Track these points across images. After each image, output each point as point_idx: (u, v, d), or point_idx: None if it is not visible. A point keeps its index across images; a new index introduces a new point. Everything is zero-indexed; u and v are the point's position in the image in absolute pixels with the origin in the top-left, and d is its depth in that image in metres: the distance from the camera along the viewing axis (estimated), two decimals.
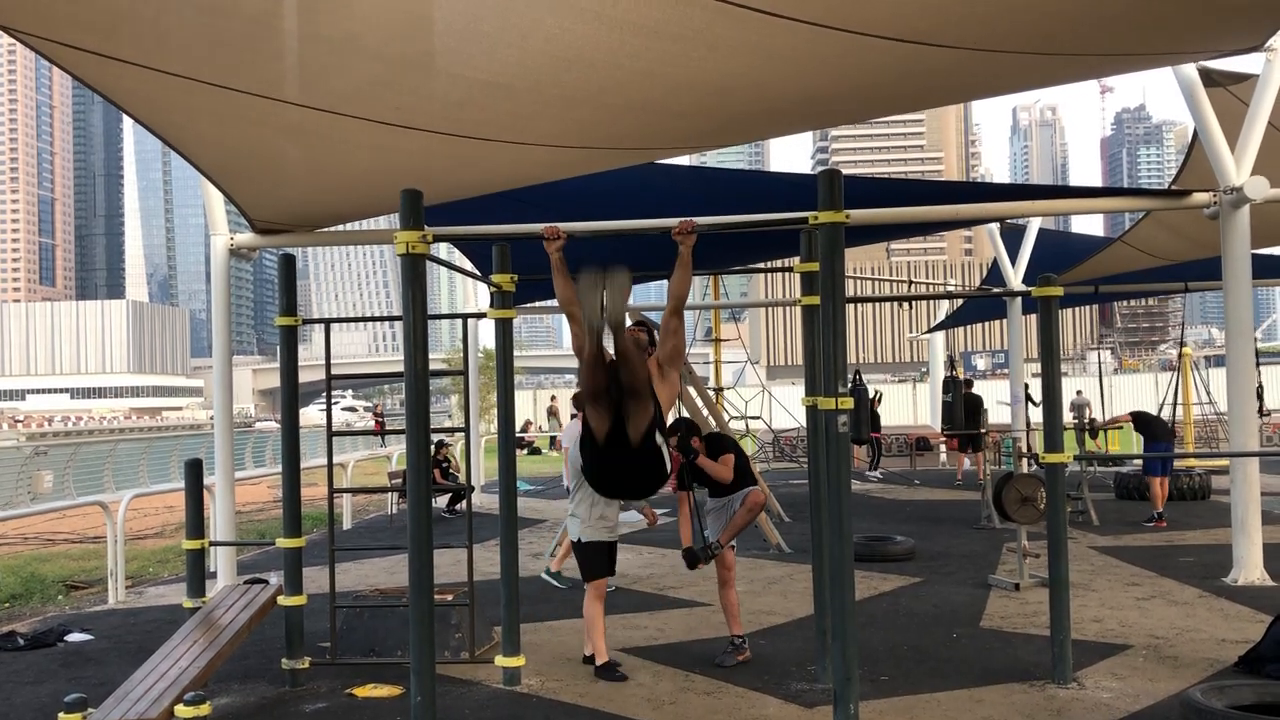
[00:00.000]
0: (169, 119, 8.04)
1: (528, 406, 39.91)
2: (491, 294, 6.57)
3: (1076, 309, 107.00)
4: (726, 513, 7.00)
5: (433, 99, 7.52)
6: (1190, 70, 9.52)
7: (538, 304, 17.37)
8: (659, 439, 4.84)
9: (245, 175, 8.87)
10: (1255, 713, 4.95)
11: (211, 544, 7.12)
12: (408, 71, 7.00)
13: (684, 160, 8.87)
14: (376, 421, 41.32)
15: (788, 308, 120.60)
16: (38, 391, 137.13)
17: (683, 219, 4.84)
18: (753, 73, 6.32)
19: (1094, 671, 6.43)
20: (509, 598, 6.50)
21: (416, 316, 4.89)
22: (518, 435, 31.43)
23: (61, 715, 5.39)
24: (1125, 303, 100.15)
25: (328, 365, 6.79)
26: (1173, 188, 10.36)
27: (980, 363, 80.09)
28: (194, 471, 6.76)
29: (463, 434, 8.85)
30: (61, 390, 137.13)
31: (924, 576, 9.91)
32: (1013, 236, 17.85)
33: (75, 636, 8.06)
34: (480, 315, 6.98)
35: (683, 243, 4.83)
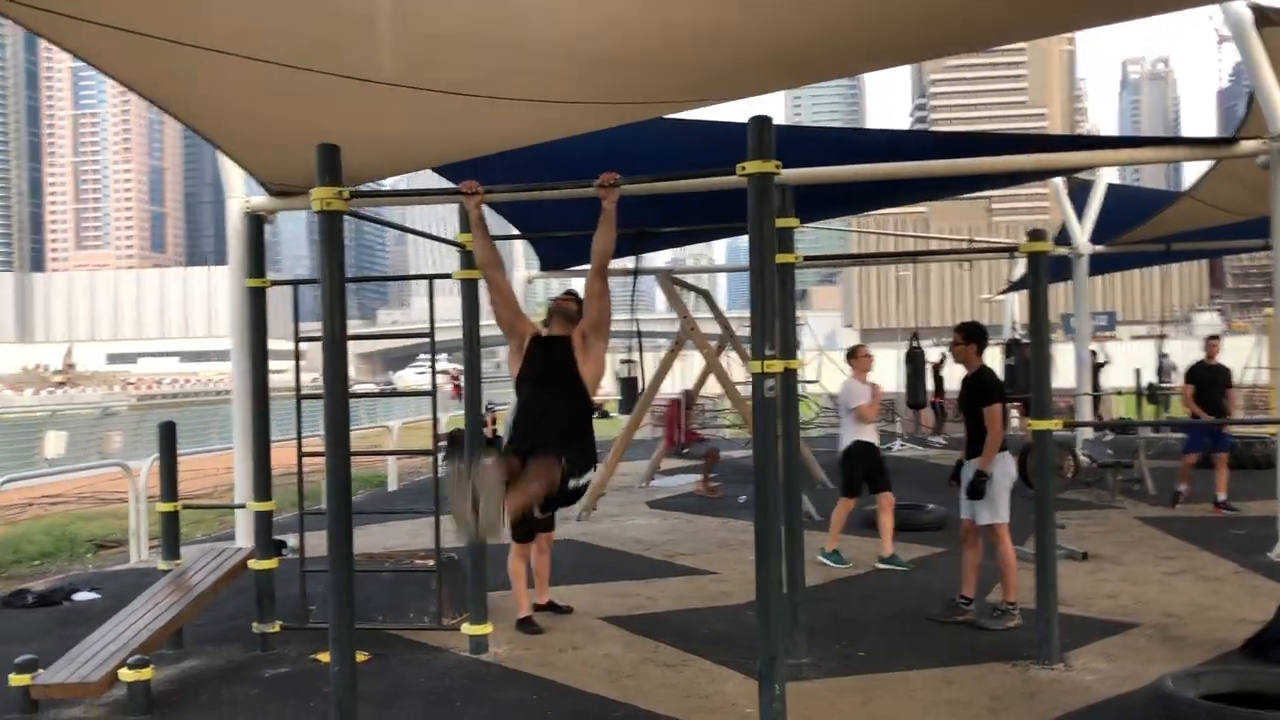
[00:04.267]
0: (162, 87, 8.01)
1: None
2: (460, 254, 6.40)
3: (1182, 267, 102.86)
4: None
5: (438, 60, 7.38)
6: (1240, 7, 8.86)
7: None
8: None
9: (249, 139, 8.81)
10: (1231, 702, 4.57)
11: (184, 506, 7.13)
12: (411, 33, 6.86)
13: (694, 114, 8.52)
14: (454, 385, 41.84)
15: (881, 269, 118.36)
16: (148, 355, 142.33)
17: (605, 173, 4.58)
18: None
19: (1086, 652, 6.07)
20: (475, 565, 6.39)
21: (333, 277, 4.73)
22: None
23: (11, 676, 5.46)
24: (1237, 260, 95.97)
25: (295, 327, 6.71)
26: (1221, 136, 9.68)
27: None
28: (167, 435, 6.76)
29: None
30: (171, 354, 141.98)
31: (949, 547, 9.49)
32: (1082, 193, 17.07)
33: (82, 595, 8.20)
34: (445, 276, 6.81)
35: (605, 197, 4.57)
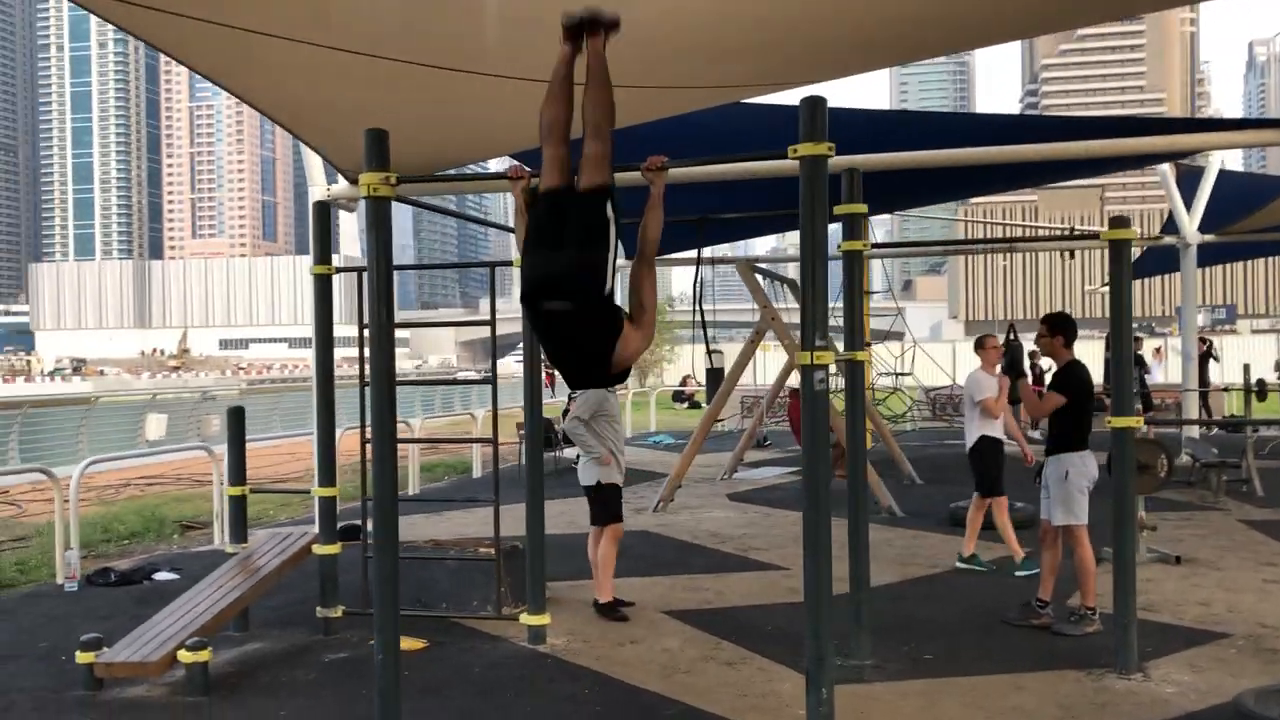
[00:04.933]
0: (241, 77, 8.12)
1: (690, 361, 39.72)
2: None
3: None
4: (1055, 483, 6.37)
5: (513, 45, 7.35)
6: None
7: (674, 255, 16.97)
8: (610, 213, 4.10)
9: (327, 127, 8.91)
10: None
11: (252, 490, 7.20)
12: (485, 18, 6.84)
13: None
14: (548, 374, 42.08)
15: (989, 257, 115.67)
16: (259, 341, 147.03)
17: (653, 155, 4.44)
18: None
19: (1169, 661, 5.74)
20: (534, 554, 6.33)
21: (379, 264, 4.70)
22: (677, 389, 31.34)
23: (77, 654, 5.58)
24: None
25: (360, 313, 6.70)
26: None
27: (1201, 317, 74.92)
28: (235, 421, 6.85)
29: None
30: (280, 340, 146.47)
31: (1035, 547, 9.14)
32: (1193, 179, 16.34)
33: (162, 575, 8.37)
34: (506, 264, 6.75)
35: (653, 181, 4.42)
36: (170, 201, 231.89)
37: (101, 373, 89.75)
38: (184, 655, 5.41)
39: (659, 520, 10.77)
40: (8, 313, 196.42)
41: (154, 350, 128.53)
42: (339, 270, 6.90)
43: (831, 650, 4.27)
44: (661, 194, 4.43)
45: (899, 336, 19.24)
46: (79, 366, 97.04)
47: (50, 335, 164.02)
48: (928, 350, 18.83)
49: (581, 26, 4.12)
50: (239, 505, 6.94)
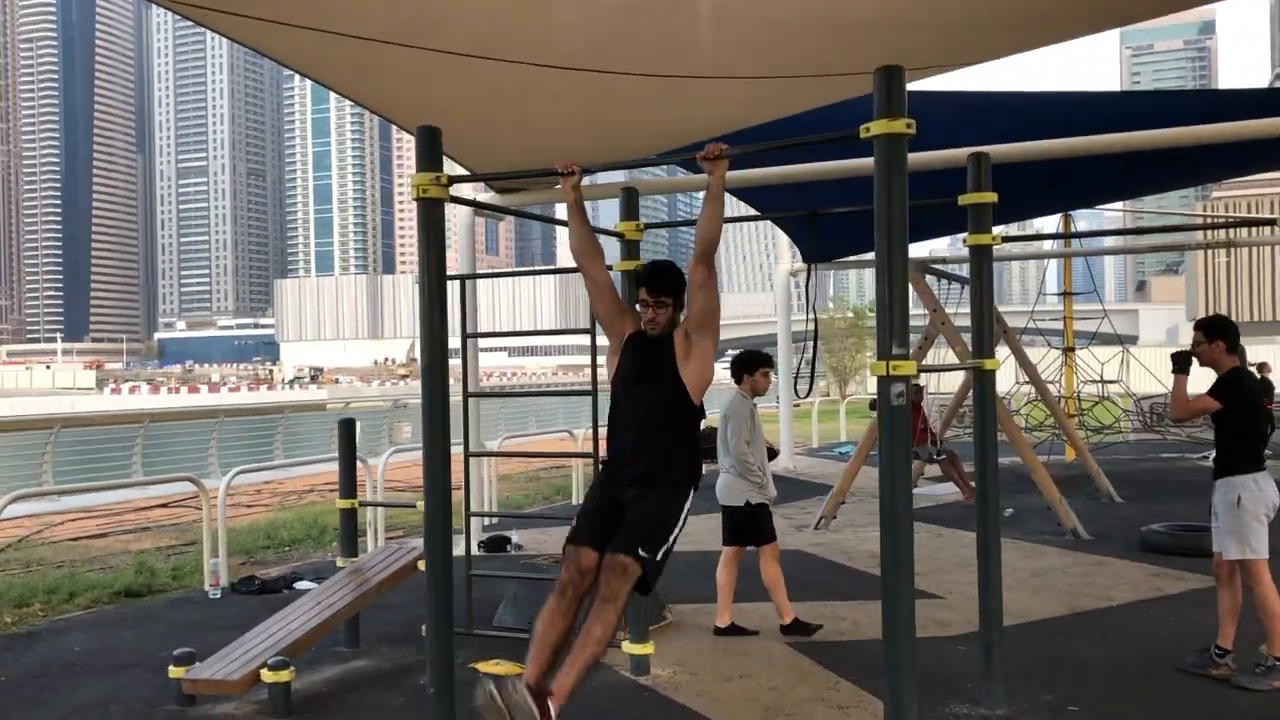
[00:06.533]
0: (371, 87, 8.16)
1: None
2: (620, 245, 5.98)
3: None
4: (1226, 511, 5.55)
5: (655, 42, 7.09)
6: None
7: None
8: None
9: (460, 134, 8.86)
10: None
11: (360, 504, 7.09)
12: (636, 14, 6.61)
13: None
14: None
15: (1227, 255, 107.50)
16: (481, 350, 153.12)
17: (712, 143, 3.97)
18: None
19: None
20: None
21: (432, 271, 4.46)
22: (873, 398, 30.27)
23: (170, 668, 5.55)
24: None
25: (463, 322, 6.47)
26: None
27: None
28: (346, 434, 6.76)
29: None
30: (499, 349, 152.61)
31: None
32: None
33: (303, 584, 8.43)
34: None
35: (711, 171, 3.96)
36: (401, 218, 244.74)
37: (336, 381, 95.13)
38: (266, 675, 5.29)
39: (817, 539, 10.17)
40: (257, 325, 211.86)
41: (385, 359, 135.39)
42: (453, 278, 6.69)
43: (915, 703, 3.67)
44: (721, 185, 3.97)
45: (1125, 340, 17.73)
46: (316, 375, 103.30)
47: (292, 346, 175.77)
48: (1138, 355, 17.30)
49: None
50: (350, 519, 6.84)
